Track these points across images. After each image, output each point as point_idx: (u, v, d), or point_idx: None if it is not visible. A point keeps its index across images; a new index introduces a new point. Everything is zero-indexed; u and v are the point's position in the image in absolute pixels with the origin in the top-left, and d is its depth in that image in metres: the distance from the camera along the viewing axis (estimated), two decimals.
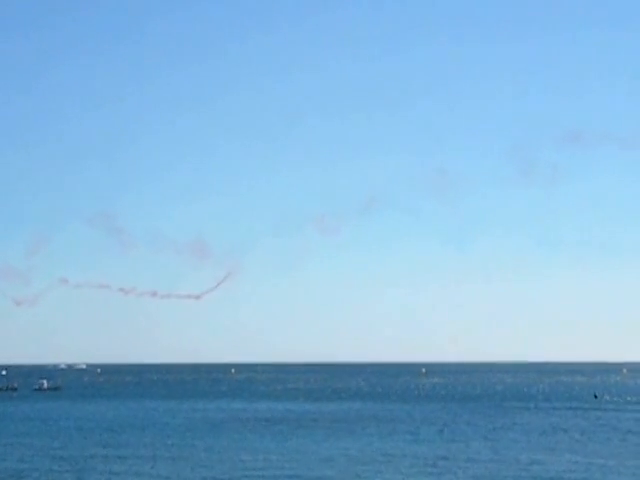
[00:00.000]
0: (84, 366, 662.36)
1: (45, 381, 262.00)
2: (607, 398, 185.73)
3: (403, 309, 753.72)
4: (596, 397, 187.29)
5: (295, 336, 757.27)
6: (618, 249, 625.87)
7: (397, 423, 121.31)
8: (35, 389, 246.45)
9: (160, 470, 75.55)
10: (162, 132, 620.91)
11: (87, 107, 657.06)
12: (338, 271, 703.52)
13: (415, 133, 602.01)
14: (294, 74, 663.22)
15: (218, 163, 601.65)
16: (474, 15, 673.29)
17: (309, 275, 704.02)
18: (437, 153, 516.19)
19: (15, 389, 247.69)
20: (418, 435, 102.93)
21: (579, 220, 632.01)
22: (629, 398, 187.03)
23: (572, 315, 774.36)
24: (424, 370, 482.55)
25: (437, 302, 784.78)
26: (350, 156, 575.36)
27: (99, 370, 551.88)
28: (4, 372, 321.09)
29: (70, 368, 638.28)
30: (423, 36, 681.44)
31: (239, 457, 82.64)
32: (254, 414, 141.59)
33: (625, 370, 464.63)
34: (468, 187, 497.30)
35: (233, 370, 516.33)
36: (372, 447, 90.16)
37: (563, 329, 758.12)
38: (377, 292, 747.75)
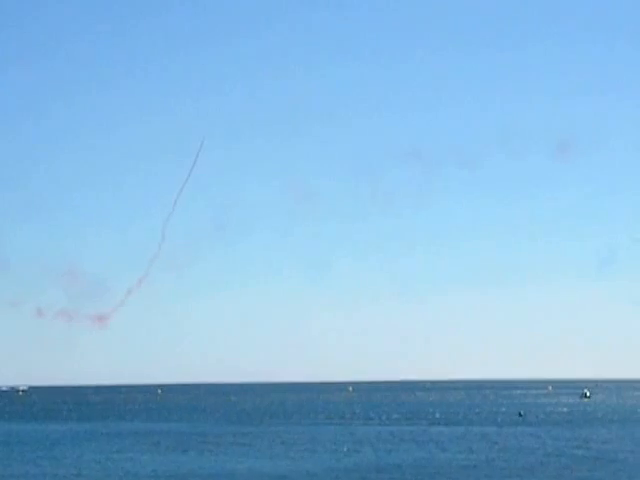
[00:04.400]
0: (25, 388, 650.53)
1: None
2: (530, 416, 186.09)
3: (320, 332, 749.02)
4: (521, 415, 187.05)
5: (228, 355, 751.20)
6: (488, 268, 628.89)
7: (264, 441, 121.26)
8: None
9: None
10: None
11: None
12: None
13: (277, 154, 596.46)
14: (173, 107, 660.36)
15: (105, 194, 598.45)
16: (324, 39, 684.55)
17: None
18: (300, 174, 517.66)
19: None
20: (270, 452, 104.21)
21: (439, 240, 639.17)
22: (553, 416, 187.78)
23: (491, 334, 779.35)
24: (351, 388, 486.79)
25: (345, 323, 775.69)
26: (210, 179, 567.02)
27: (21, 392, 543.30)
28: None
29: (12, 390, 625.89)
30: (283, 60, 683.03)
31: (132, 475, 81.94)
32: (153, 433, 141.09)
33: (550, 387, 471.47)
34: (329, 209, 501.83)
35: (160, 391, 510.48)
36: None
37: (486, 347, 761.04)
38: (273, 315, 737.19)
